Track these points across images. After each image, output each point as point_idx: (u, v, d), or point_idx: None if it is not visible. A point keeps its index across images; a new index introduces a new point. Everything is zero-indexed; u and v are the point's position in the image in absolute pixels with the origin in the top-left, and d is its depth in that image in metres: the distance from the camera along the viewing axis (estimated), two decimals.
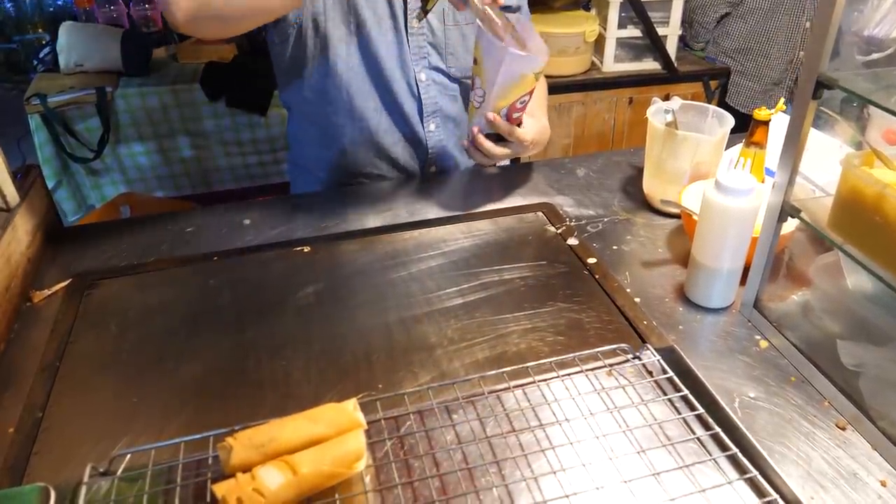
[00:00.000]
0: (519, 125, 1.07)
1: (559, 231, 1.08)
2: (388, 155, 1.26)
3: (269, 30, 1.16)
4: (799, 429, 0.72)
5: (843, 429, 0.72)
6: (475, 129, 1.05)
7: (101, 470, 0.66)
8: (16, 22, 3.09)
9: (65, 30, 2.32)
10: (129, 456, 0.67)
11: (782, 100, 1.08)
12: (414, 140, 1.26)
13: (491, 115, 1.01)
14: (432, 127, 1.25)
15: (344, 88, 1.17)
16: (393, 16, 1.15)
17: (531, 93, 1.00)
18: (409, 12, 1.15)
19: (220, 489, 0.59)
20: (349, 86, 1.17)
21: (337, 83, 1.17)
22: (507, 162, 2.28)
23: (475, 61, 1.00)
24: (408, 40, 1.17)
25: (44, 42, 2.78)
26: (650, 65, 2.36)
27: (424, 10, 1.13)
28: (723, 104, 2.44)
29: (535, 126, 1.12)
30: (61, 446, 0.72)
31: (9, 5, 3.03)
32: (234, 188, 2.59)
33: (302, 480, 0.60)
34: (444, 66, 1.22)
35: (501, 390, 0.76)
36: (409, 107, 1.22)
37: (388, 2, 1.14)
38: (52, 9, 3.04)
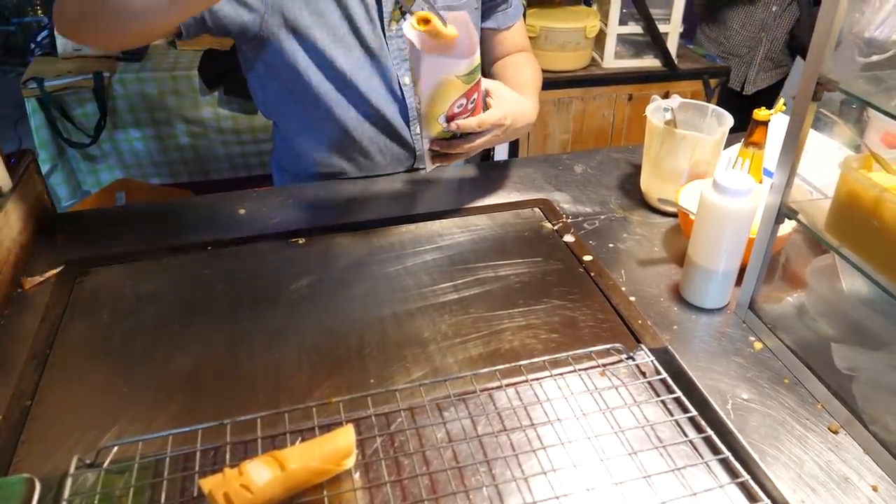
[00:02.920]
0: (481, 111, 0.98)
1: (556, 227, 1.08)
2: (373, 161, 1.23)
3: (236, 41, 1.09)
4: (791, 432, 0.72)
5: (836, 432, 0.72)
6: (427, 143, 0.99)
7: (88, 461, 0.66)
8: (14, 4, 3.06)
9: None
10: (116, 448, 0.67)
11: (782, 100, 1.08)
12: (400, 144, 1.22)
13: (453, 126, 0.95)
14: (419, 129, 1.20)
15: (320, 100, 1.13)
16: (370, 20, 1.09)
17: (469, 95, 0.92)
18: (384, 16, 1.10)
19: (206, 484, 0.58)
20: (325, 97, 1.13)
21: (312, 95, 1.13)
22: (504, 156, 2.28)
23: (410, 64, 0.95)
24: (387, 44, 1.12)
25: (42, 25, 2.76)
26: (650, 62, 2.35)
27: (401, 11, 1.11)
28: (721, 102, 2.44)
29: (507, 104, 1.02)
30: (49, 435, 0.72)
31: None
32: (230, 177, 2.58)
33: (290, 476, 0.59)
34: None
35: (493, 388, 0.76)
36: (393, 112, 1.18)
37: (362, 5, 1.08)
38: None
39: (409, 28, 0.89)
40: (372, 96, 1.14)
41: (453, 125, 0.95)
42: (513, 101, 1.05)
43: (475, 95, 0.93)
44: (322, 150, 1.21)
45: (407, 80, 1.16)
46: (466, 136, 0.99)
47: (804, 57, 2.74)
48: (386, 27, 1.11)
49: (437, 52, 0.88)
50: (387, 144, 1.22)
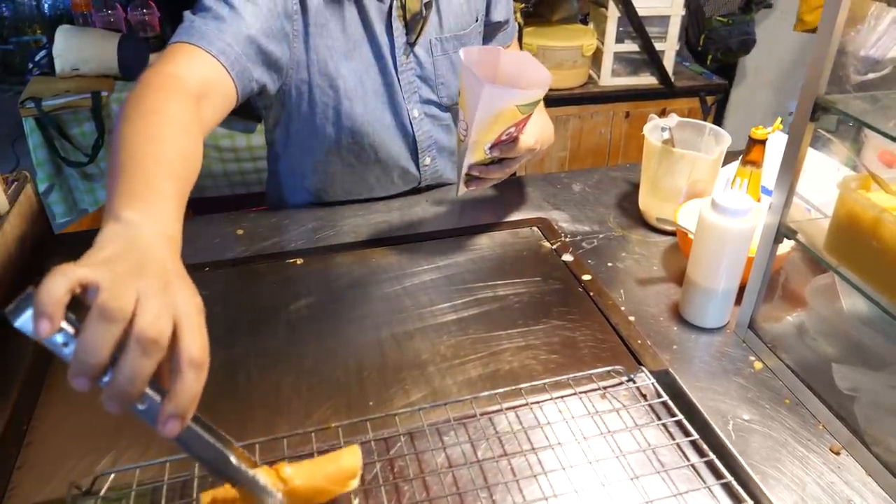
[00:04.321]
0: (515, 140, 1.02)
1: (554, 247, 1.08)
2: (377, 194, 1.23)
3: (253, 97, 1.08)
4: (793, 453, 0.71)
5: (838, 453, 0.72)
6: (466, 171, 1.00)
7: (84, 489, 0.65)
8: (13, 23, 3.07)
9: (61, 34, 2.31)
10: (112, 475, 0.66)
11: (779, 119, 1.08)
12: (407, 178, 1.23)
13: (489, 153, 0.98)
14: (427, 161, 1.22)
15: (333, 147, 1.14)
16: (380, 57, 1.10)
17: (519, 124, 0.94)
18: (396, 49, 1.11)
19: (206, 497, 0.58)
20: (339, 144, 1.13)
21: (326, 143, 1.13)
22: None
23: (460, 92, 0.97)
24: (398, 78, 1.12)
25: (41, 44, 2.77)
26: (647, 79, 2.37)
27: (409, 45, 1.12)
28: (718, 118, 2.45)
29: (534, 128, 1.03)
30: (45, 461, 0.71)
31: (5, 7, 3.02)
32: (229, 194, 2.57)
33: (292, 493, 0.59)
34: (436, 97, 1.18)
35: (494, 412, 0.75)
36: (402, 147, 1.18)
37: (371, 46, 1.09)
38: (49, 11, 3.03)
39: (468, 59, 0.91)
40: (383, 134, 1.15)
41: (496, 151, 0.97)
42: (539, 125, 1.07)
43: (523, 124, 0.96)
44: (327, 186, 1.21)
45: (416, 112, 1.17)
46: (501, 161, 1.01)
47: (694, 56, 2.80)
48: (398, 62, 1.12)
49: (503, 82, 0.92)
50: (395, 181, 1.22)
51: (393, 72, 1.12)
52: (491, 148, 0.96)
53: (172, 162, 0.67)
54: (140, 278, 0.49)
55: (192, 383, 0.48)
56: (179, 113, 0.75)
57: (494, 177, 1.03)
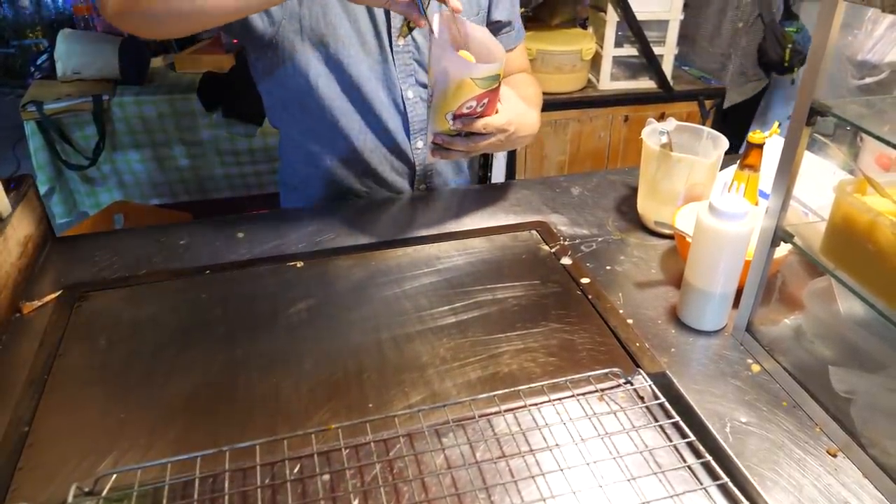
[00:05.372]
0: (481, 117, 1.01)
1: (553, 250, 1.08)
2: (376, 173, 1.24)
3: (247, 47, 1.13)
4: (790, 455, 0.72)
5: (835, 456, 0.72)
6: (431, 138, 1.02)
7: (87, 489, 0.65)
8: (14, 26, 3.09)
9: (63, 37, 2.32)
10: (114, 476, 0.66)
11: (777, 123, 1.09)
12: (401, 158, 1.24)
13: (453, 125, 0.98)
14: (420, 144, 1.23)
15: (326, 108, 1.15)
16: (377, 34, 1.12)
17: (480, 99, 0.95)
18: (392, 30, 1.13)
19: None
20: (331, 106, 1.15)
21: (319, 103, 1.15)
22: (501, 178, 2.29)
23: (429, 59, 0.99)
24: (393, 58, 1.14)
25: (42, 48, 2.78)
26: (646, 83, 2.37)
27: (408, 27, 1.13)
28: (716, 122, 2.46)
29: (510, 112, 1.04)
30: (47, 462, 0.71)
31: (7, 10, 3.03)
32: (230, 196, 2.59)
33: None
34: None
35: (492, 414, 0.76)
36: (396, 125, 1.20)
37: (371, 20, 1.11)
38: (51, 15, 3.04)
39: (436, 23, 0.92)
40: (377, 107, 1.17)
41: (458, 123, 0.98)
42: (519, 110, 1.08)
43: (486, 100, 0.96)
44: (326, 161, 1.22)
45: (410, 94, 1.18)
46: (470, 135, 1.02)
47: (773, 71, 2.77)
48: (394, 42, 1.14)
49: (458, 51, 0.93)
50: (388, 157, 1.23)
51: (389, 51, 1.14)
52: (454, 119, 0.97)
53: None
54: None
55: None
56: None
57: (458, 149, 1.02)
